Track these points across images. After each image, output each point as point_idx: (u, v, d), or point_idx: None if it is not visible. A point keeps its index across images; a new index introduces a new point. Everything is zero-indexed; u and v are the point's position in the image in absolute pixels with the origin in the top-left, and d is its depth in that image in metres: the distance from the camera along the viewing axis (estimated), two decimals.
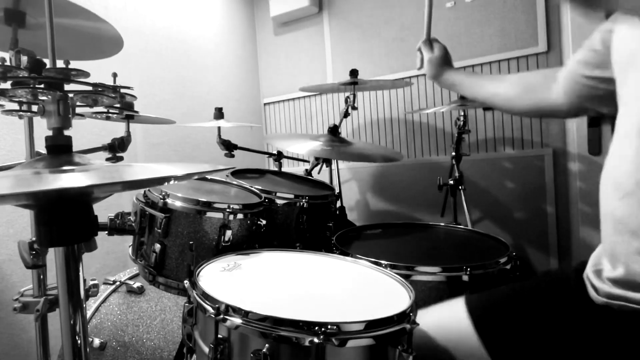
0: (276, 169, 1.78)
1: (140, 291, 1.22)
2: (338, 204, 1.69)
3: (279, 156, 1.83)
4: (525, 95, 0.93)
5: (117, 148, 1.08)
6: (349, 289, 0.78)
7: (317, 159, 1.79)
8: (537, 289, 0.74)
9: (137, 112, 0.84)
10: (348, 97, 1.77)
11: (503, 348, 0.70)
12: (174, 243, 0.96)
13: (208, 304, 0.65)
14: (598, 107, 0.78)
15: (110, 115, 0.78)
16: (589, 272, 0.65)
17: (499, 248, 1.10)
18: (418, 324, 0.63)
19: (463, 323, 0.74)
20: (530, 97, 0.92)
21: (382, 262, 0.93)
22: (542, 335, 0.68)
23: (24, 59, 0.53)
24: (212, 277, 0.79)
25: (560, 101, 0.84)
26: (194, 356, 0.73)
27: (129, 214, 0.72)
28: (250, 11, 2.69)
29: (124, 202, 1.65)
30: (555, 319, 0.68)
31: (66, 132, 0.54)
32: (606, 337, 0.62)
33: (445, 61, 1.12)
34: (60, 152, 0.53)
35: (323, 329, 0.56)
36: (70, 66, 0.51)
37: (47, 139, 0.53)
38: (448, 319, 0.77)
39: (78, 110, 0.57)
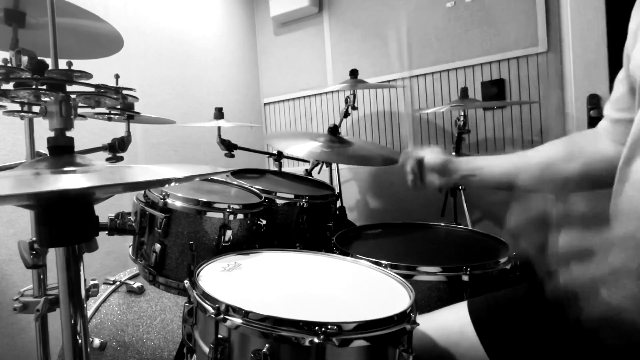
0: (276, 169, 1.78)
1: (140, 291, 1.22)
2: (338, 204, 1.69)
3: (279, 156, 1.83)
4: (573, 154, 0.79)
5: (117, 148, 1.08)
6: (349, 289, 0.78)
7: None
8: (542, 292, 0.73)
9: (138, 112, 0.84)
10: (348, 97, 1.77)
11: (505, 353, 0.70)
12: (174, 243, 0.96)
13: (208, 304, 0.66)
14: None
15: (111, 116, 0.79)
16: None
17: (499, 248, 1.10)
18: (418, 324, 0.63)
19: (466, 328, 0.73)
20: (581, 155, 0.78)
21: (382, 262, 0.93)
22: (547, 339, 0.67)
23: (25, 59, 0.53)
24: (212, 277, 0.79)
25: (612, 152, 0.74)
26: (194, 356, 0.73)
27: (129, 214, 0.72)
28: (250, 11, 2.69)
29: (125, 202, 1.65)
30: (562, 321, 0.66)
31: (67, 132, 0.54)
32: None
33: (447, 154, 0.98)
34: (62, 152, 0.54)
35: (323, 329, 0.56)
36: (72, 67, 0.51)
37: (49, 139, 0.53)
38: (451, 322, 0.76)
39: (80, 111, 0.57)
